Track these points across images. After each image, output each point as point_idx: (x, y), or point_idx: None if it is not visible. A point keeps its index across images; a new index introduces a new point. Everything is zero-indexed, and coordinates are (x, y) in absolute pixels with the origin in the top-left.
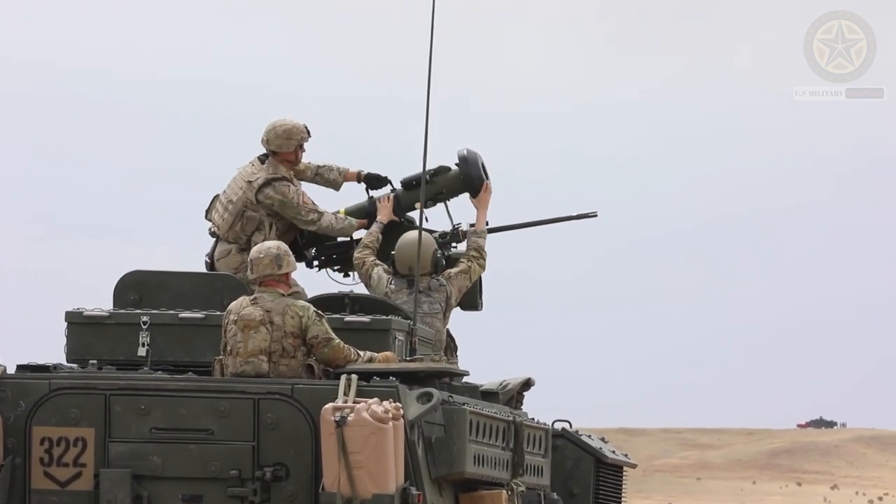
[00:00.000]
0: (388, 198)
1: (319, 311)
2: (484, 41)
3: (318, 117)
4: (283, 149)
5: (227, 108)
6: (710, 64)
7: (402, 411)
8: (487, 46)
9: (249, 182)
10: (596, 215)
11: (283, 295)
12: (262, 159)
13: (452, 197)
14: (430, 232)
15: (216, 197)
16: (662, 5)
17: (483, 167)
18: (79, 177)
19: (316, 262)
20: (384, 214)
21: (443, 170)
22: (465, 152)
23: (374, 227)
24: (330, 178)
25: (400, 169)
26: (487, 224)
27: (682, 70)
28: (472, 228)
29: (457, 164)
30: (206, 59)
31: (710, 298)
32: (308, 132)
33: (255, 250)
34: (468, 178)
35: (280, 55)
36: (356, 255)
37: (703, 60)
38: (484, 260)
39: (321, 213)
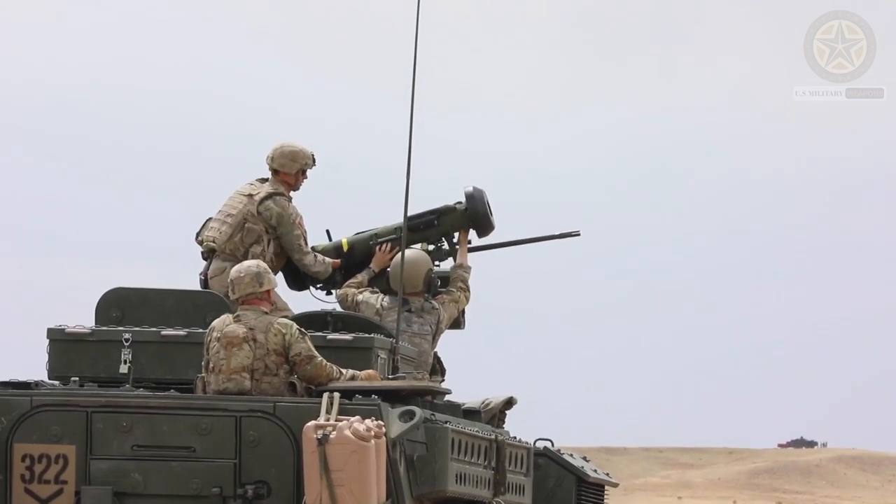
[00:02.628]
0: (387, 248)
1: (302, 329)
2: (469, 63)
3: (309, 140)
4: (285, 169)
5: (221, 124)
6: (709, 64)
7: (384, 429)
8: (471, 68)
9: (251, 195)
10: (579, 234)
11: (266, 312)
12: (263, 180)
13: (458, 232)
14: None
15: (209, 220)
16: (653, 11)
17: (488, 204)
18: (65, 191)
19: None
20: (378, 264)
21: (448, 210)
22: (471, 189)
23: (364, 274)
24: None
25: (389, 195)
26: (470, 242)
27: (680, 73)
28: (458, 263)
29: (458, 204)
30: (199, 73)
31: (693, 320)
32: (314, 161)
33: (234, 270)
34: (474, 214)
35: (274, 74)
36: (340, 291)
37: (701, 61)
38: (469, 292)
39: (307, 251)
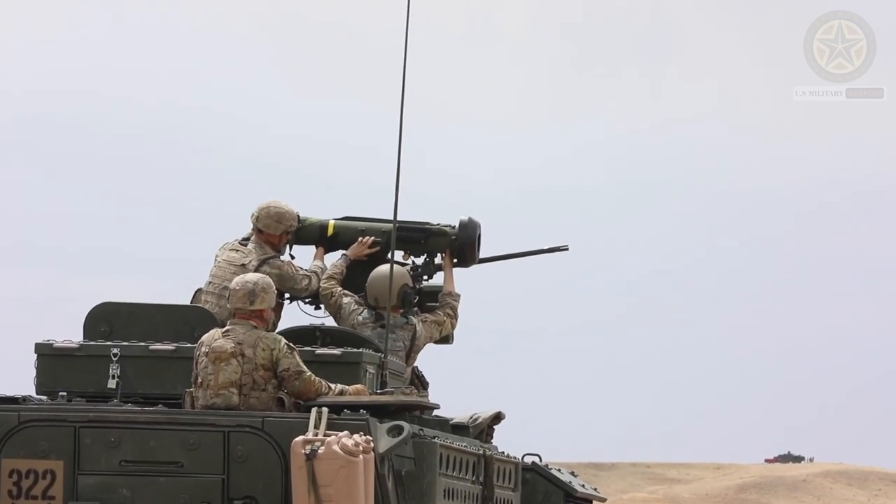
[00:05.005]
0: (367, 242)
1: (290, 344)
2: (457, 80)
3: (300, 156)
4: (270, 230)
5: (214, 139)
6: (706, 68)
7: (372, 444)
8: (459, 86)
9: (243, 265)
10: (567, 249)
11: (256, 328)
12: (244, 243)
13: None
14: (404, 264)
15: (199, 291)
16: (648, 13)
17: (479, 237)
18: (53, 203)
19: (287, 295)
20: (354, 252)
21: (439, 233)
22: (466, 220)
23: (341, 261)
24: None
25: (377, 212)
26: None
27: (674, 81)
28: (447, 290)
29: (450, 228)
30: (192, 86)
31: (679, 335)
32: (298, 220)
33: (235, 280)
34: (461, 244)
35: (266, 91)
36: (323, 285)
37: (698, 66)
38: (456, 320)
39: (310, 276)
